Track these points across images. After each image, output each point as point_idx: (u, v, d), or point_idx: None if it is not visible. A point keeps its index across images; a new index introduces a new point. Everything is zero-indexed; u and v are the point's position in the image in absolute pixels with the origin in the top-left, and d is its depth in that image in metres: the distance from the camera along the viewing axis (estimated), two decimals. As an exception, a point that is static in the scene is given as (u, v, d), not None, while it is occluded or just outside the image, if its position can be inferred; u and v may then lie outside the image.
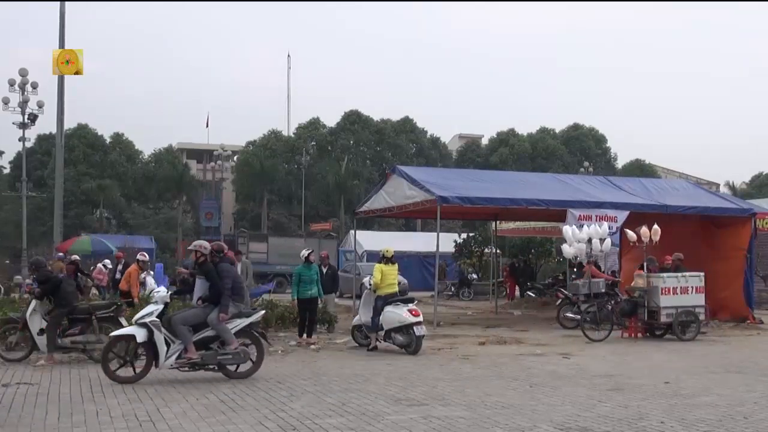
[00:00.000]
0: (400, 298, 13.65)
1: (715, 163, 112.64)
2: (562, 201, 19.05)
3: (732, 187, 64.33)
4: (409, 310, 13.11)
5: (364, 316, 13.89)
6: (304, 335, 14.83)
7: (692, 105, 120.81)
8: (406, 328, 13.08)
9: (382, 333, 13.43)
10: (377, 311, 13.44)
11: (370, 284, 13.95)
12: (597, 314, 16.02)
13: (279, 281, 37.33)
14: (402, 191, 19.83)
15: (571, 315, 17.47)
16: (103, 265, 21.74)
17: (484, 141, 75.52)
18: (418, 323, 13.05)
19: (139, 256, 18.34)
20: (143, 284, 21.05)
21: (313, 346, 14.07)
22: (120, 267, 23.59)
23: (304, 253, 15.42)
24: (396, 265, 14.17)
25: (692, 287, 16.30)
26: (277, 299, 20.33)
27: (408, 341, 13.07)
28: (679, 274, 16.46)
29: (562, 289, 17.81)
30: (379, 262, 13.98)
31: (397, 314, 13.16)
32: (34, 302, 11.87)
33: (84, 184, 59.10)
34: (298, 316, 15.22)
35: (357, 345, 14.26)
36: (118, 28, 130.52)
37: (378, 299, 13.58)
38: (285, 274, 38.77)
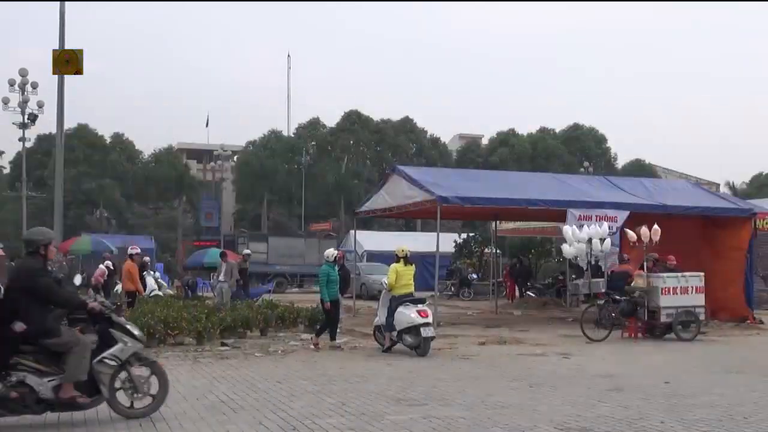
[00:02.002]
0: (411, 298, 13.50)
1: (715, 163, 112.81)
2: (562, 201, 19.04)
3: (732, 187, 64.32)
4: (418, 311, 13.02)
5: (381, 317, 13.84)
6: (321, 338, 14.41)
7: (692, 105, 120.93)
8: (415, 329, 12.98)
9: (395, 333, 13.35)
10: (391, 312, 13.37)
11: (384, 284, 13.93)
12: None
13: (279, 281, 37.34)
14: (402, 191, 19.81)
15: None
16: (106, 267, 21.60)
17: (484, 141, 75.57)
18: (426, 324, 12.95)
19: (130, 250, 18.15)
20: (143, 284, 20.99)
21: (312, 347, 14.04)
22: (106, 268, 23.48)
23: (334, 252, 15.14)
24: (413, 265, 14.02)
25: (692, 287, 16.29)
26: (277, 299, 20.35)
27: (417, 342, 12.97)
28: (679, 274, 16.45)
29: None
30: (397, 262, 13.82)
31: (406, 315, 13.07)
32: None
33: (84, 184, 59.13)
34: (325, 318, 14.65)
35: (368, 346, 14.17)
36: (118, 28, 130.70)
37: (392, 299, 13.49)
38: (285, 274, 38.81)
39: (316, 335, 14.42)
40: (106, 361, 7.56)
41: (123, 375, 7.74)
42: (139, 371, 7.84)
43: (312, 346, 13.98)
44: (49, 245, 7.63)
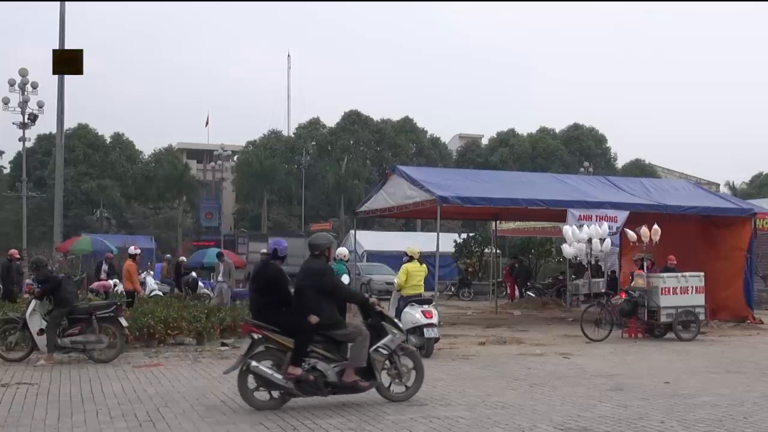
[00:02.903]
0: (417, 299, 13.34)
1: (715, 163, 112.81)
2: (562, 201, 19.03)
3: (732, 187, 64.32)
4: (423, 312, 12.87)
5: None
6: None
7: (692, 105, 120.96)
8: (419, 330, 12.79)
9: None
10: (399, 312, 13.21)
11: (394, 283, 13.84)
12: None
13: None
14: (402, 191, 19.80)
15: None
16: (114, 284, 21.41)
17: (484, 141, 75.49)
18: (429, 325, 12.77)
19: (131, 250, 18.06)
20: (143, 284, 20.96)
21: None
22: (105, 267, 23.47)
23: (346, 251, 14.98)
24: (424, 265, 13.87)
25: (692, 287, 16.28)
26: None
27: (421, 343, 12.73)
28: (679, 274, 16.45)
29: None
30: (409, 262, 13.65)
31: (411, 315, 12.89)
32: (34, 302, 11.86)
33: (84, 184, 59.10)
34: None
35: None
36: (119, 28, 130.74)
37: (401, 300, 13.39)
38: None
39: None
40: (380, 350, 8.54)
41: (388, 362, 8.70)
42: (403, 360, 8.76)
43: None
44: (330, 248, 8.92)
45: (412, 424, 7.59)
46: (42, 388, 9.52)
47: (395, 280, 13.83)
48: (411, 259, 13.71)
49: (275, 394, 8.25)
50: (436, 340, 13.08)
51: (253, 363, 8.10)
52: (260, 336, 8.28)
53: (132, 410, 8.17)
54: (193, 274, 25.25)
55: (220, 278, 20.88)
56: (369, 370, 8.43)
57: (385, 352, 8.56)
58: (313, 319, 8.24)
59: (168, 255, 31.66)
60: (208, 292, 23.06)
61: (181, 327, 13.88)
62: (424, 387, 9.71)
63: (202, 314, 14.89)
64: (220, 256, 22.11)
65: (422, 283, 13.74)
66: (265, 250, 23.64)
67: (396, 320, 9.01)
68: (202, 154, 69.00)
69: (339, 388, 8.36)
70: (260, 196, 61.24)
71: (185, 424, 7.54)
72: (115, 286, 20.72)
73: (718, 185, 68.79)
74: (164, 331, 13.59)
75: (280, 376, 8.11)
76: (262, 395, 8.24)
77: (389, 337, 8.59)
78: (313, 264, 8.72)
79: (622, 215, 18.75)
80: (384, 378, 8.69)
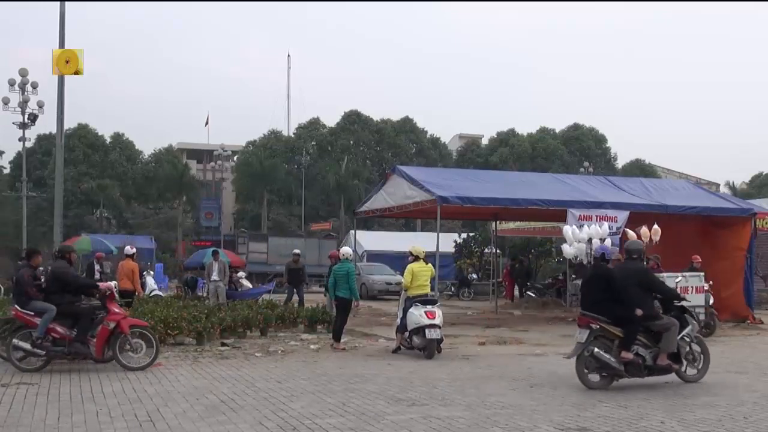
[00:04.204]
0: (422, 299, 13.25)
1: (715, 164, 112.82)
2: (562, 201, 19.01)
3: (732, 187, 64.28)
4: (426, 312, 12.80)
5: (400, 317, 13.63)
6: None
7: (692, 105, 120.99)
8: (422, 330, 12.75)
9: (407, 334, 13.12)
10: (405, 312, 13.20)
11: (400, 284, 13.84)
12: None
13: (279, 281, 37.24)
14: (402, 191, 19.79)
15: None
16: (115, 285, 21.29)
17: (484, 141, 75.52)
18: (432, 326, 12.68)
19: (127, 250, 17.92)
20: (143, 284, 20.90)
21: (313, 346, 14.04)
22: (98, 267, 23.36)
23: (351, 251, 14.97)
24: (429, 264, 13.79)
25: (692, 287, 16.26)
26: (278, 299, 20.32)
27: (424, 344, 12.73)
28: (679, 274, 16.42)
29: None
30: (414, 261, 13.56)
31: (415, 315, 12.84)
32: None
33: (84, 184, 59.12)
34: (339, 319, 14.32)
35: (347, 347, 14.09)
36: (118, 28, 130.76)
37: (407, 300, 13.33)
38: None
39: (337, 340, 14.02)
40: (685, 338, 10.08)
41: (686, 348, 10.16)
42: (694, 346, 10.24)
43: (338, 349, 13.68)
44: (643, 251, 10.78)
45: (412, 424, 7.59)
46: (42, 388, 9.52)
47: (402, 281, 13.75)
48: (416, 258, 13.64)
49: (594, 377, 9.65)
50: (440, 341, 12.98)
51: (596, 349, 9.56)
52: (597, 326, 9.68)
53: (132, 410, 8.17)
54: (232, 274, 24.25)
55: (215, 277, 20.61)
56: (676, 355, 9.89)
57: (688, 340, 10.05)
58: (638, 312, 9.66)
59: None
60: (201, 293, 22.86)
61: (181, 327, 13.88)
62: (424, 387, 9.75)
63: (202, 314, 14.90)
64: (215, 254, 21.77)
65: (428, 282, 13.62)
66: (297, 251, 23.73)
67: (692, 311, 10.33)
68: (202, 154, 69.04)
69: (654, 371, 9.86)
70: (260, 196, 61.25)
71: (185, 424, 7.53)
72: (116, 287, 20.66)
73: (718, 185, 68.79)
74: (164, 331, 13.58)
75: (614, 360, 9.55)
76: (593, 377, 9.65)
77: (689, 327, 10.09)
78: (633, 265, 10.23)
79: (622, 215, 18.74)
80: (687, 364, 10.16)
